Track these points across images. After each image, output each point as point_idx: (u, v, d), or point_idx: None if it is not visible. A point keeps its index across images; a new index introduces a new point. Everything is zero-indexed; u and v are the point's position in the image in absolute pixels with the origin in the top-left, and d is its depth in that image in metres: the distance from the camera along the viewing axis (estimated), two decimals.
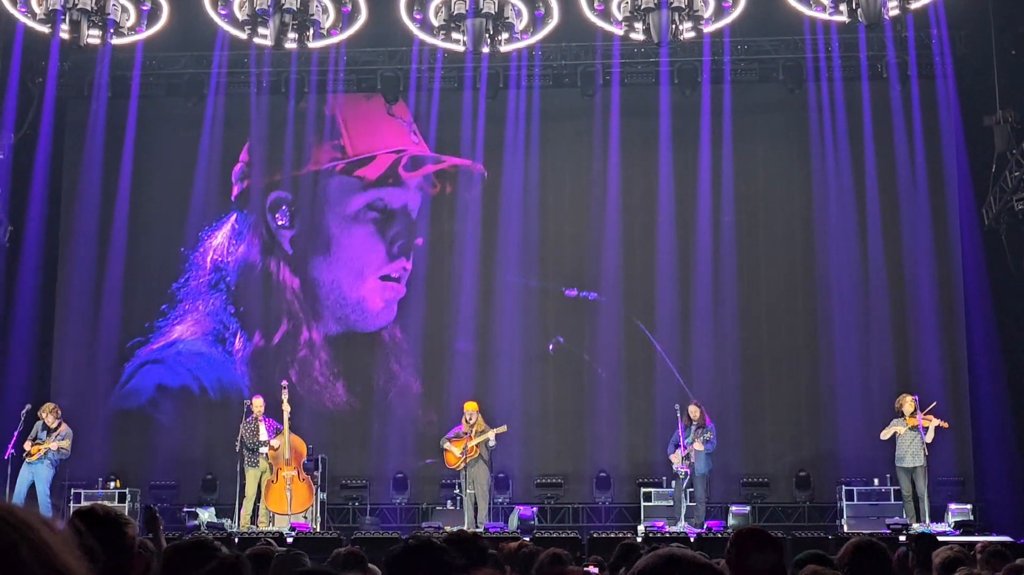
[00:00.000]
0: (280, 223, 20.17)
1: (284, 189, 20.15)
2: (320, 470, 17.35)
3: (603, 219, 19.36)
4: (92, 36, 16.93)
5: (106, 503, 5.27)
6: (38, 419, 16.32)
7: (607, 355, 19.16)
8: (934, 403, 16.29)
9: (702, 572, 2.89)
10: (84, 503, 11.85)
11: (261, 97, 19.97)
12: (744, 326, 18.98)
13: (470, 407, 16.84)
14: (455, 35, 17.08)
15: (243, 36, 17.40)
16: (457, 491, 16.83)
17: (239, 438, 16.64)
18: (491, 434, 16.56)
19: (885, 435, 16.31)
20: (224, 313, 19.84)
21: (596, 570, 6.69)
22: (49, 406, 16.52)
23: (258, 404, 16.90)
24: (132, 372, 19.44)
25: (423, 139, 20.03)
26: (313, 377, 19.46)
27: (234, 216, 20.10)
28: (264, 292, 19.86)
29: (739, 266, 19.08)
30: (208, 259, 20.02)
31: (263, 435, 16.52)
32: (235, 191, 20.22)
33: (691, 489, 16.40)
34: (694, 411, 16.49)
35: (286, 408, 16.65)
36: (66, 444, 16.24)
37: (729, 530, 15.33)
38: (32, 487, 15.98)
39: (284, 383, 17.31)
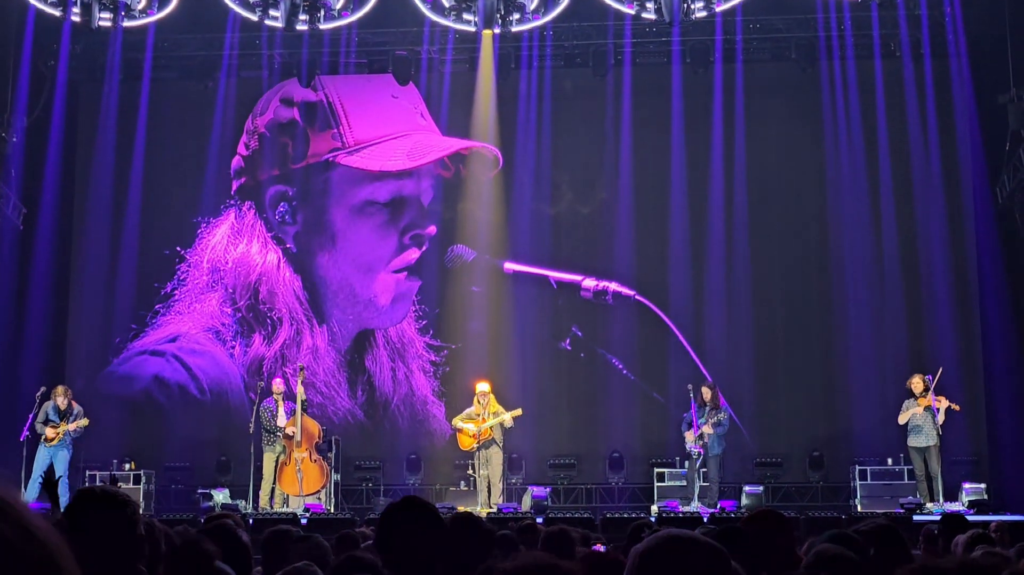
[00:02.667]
0: (281, 219, 19.82)
1: (285, 182, 19.86)
2: (334, 452, 17.32)
3: (616, 199, 19.29)
4: (103, 19, 16.96)
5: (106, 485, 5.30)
6: (49, 401, 16.40)
7: (621, 336, 19.12)
8: (940, 370, 16.35)
9: (702, 553, 2.90)
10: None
11: (272, 79, 19.91)
12: (758, 306, 18.90)
13: (483, 386, 16.82)
14: (466, 15, 17.03)
15: (254, 18, 17.38)
16: (471, 472, 16.87)
17: (253, 419, 16.62)
18: (507, 417, 16.57)
19: (903, 419, 16.28)
20: (222, 314, 19.54)
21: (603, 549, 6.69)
22: (61, 388, 16.59)
23: (278, 385, 16.95)
24: (127, 359, 19.31)
25: (433, 121, 19.82)
26: (317, 386, 18.87)
27: (233, 212, 19.85)
28: (267, 293, 19.56)
29: (752, 246, 18.97)
30: (205, 259, 19.74)
31: (282, 418, 16.54)
32: (234, 185, 19.95)
33: (704, 469, 16.40)
34: (707, 393, 16.50)
35: (300, 391, 16.73)
36: (83, 423, 16.37)
37: (743, 510, 15.28)
38: (49, 469, 15.96)
39: (300, 365, 17.43)
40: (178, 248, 19.70)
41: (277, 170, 19.87)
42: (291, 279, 19.56)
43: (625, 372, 18.86)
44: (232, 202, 19.88)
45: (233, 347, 19.40)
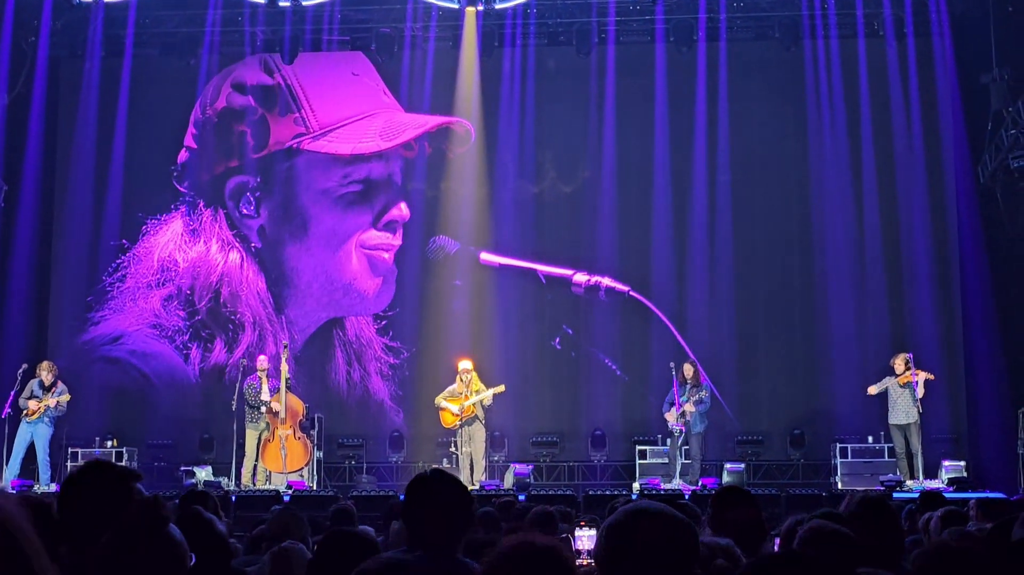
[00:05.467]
0: (245, 212, 19.36)
1: (246, 173, 19.42)
2: (317, 429, 17.37)
3: (599, 178, 19.21)
4: None
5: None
6: (34, 377, 16.36)
7: (603, 314, 19.07)
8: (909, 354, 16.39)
9: (668, 524, 2.92)
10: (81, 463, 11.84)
11: (253, 57, 19.58)
12: (740, 286, 18.92)
13: (465, 363, 16.75)
14: None
15: None
16: (453, 449, 16.82)
17: (236, 396, 16.62)
18: (489, 394, 16.57)
19: (873, 390, 16.35)
20: (176, 318, 19.11)
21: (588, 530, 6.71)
22: (46, 364, 16.54)
23: (262, 362, 16.86)
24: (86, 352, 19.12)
25: (395, 99, 19.50)
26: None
27: (184, 208, 19.43)
28: (228, 295, 19.15)
29: (735, 225, 18.95)
30: (155, 256, 19.29)
31: (266, 394, 16.49)
32: (185, 183, 19.49)
33: (686, 447, 16.45)
34: (688, 370, 16.47)
35: (284, 368, 16.67)
36: (64, 399, 16.33)
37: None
38: (31, 446, 16.08)
39: (284, 341, 17.40)
40: (124, 242, 19.39)
41: (236, 161, 19.47)
42: (255, 279, 19.21)
43: (619, 373, 18.78)
44: (186, 198, 19.47)
45: (187, 352, 19.03)
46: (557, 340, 19.05)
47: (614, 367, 18.83)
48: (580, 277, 19.04)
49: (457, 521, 3.89)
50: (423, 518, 3.85)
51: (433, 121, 19.35)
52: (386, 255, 19.25)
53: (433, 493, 3.90)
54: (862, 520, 4.58)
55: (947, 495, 11.30)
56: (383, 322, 19.27)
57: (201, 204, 19.43)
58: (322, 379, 19.20)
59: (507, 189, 19.37)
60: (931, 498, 8.36)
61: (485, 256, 19.18)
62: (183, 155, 19.55)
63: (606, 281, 18.96)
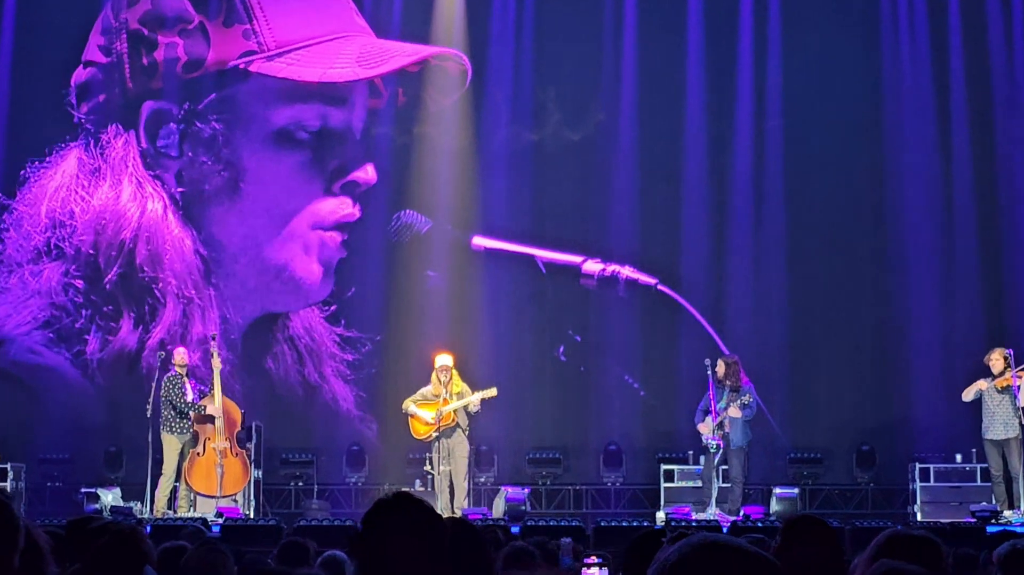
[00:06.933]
0: (162, 147, 19.10)
1: (168, 99, 19.12)
2: (255, 442, 17.27)
3: (615, 123, 19.12)
4: None
5: None
6: None
7: (618, 301, 19.04)
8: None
9: (751, 563, 2.81)
10: None
11: None
12: (793, 263, 18.89)
13: (443, 359, 16.58)
14: None
15: None
16: (428, 468, 16.66)
17: (151, 398, 16.47)
18: (475, 398, 16.42)
19: (967, 396, 16.22)
20: (64, 295, 18.72)
21: (598, 561, 6.64)
22: None
23: (180, 356, 16.76)
24: None
25: (369, 23, 19.39)
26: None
27: (82, 140, 19.09)
28: (147, 256, 18.78)
29: (787, 185, 18.91)
30: (43, 209, 18.90)
31: (189, 395, 16.44)
32: (83, 108, 19.16)
33: (725, 466, 16.35)
34: (723, 367, 16.34)
35: (216, 365, 16.60)
36: None
37: (772, 517, 15.43)
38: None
39: (213, 334, 17.31)
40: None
41: (158, 82, 19.20)
42: (181, 236, 18.99)
43: (637, 386, 18.84)
44: (85, 126, 19.10)
45: (85, 337, 18.69)
46: (561, 351, 19.12)
47: (634, 383, 18.89)
48: (592, 266, 19.04)
49: (427, 562, 3.81)
50: (383, 557, 3.79)
51: (426, 51, 19.25)
52: (337, 234, 19.08)
53: (396, 524, 3.84)
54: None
55: None
56: (331, 307, 19.14)
57: (107, 134, 19.02)
58: (260, 377, 19.03)
59: (499, 137, 19.26)
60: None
61: (478, 241, 19.12)
62: (82, 73, 19.17)
63: (626, 271, 18.96)
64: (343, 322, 19.10)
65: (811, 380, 18.73)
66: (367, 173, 19.11)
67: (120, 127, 19.04)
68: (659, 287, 18.82)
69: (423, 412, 16.45)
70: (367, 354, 19.02)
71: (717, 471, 16.31)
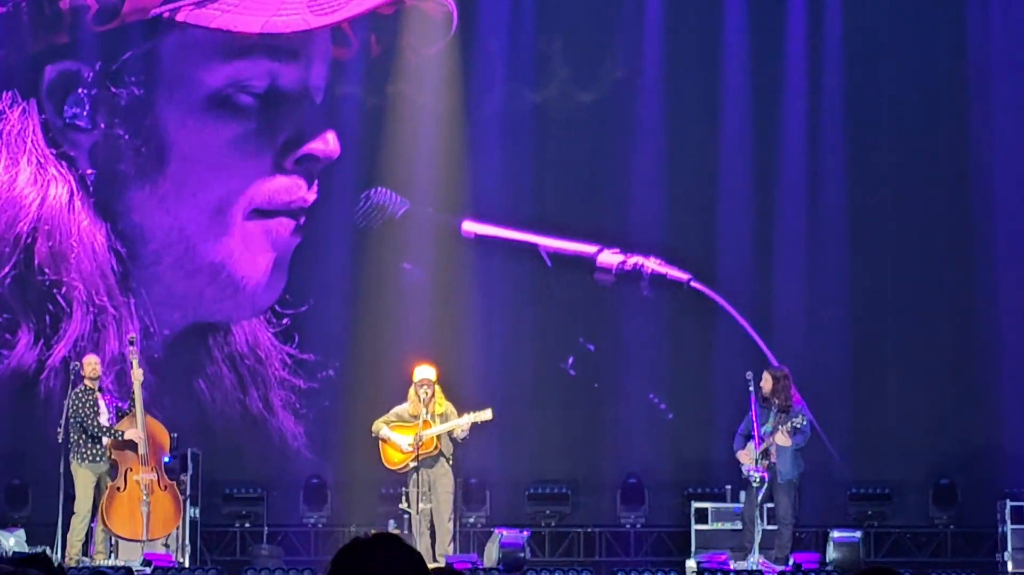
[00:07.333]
0: (71, 118, 18.86)
1: (76, 58, 18.97)
2: (190, 473, 17.17)
3: (635, 81, 19.03)
4: None
5: None
6: None
7: (641, 302, 18.95)
8: None
9: None
10: None
11: None
12: (856, 257, 18.90)
13: (424, 371, 16.09)
14: None
15: None
16: (404, 505, 16.22)
17: (64, 419, 16.11)
18: (464, 422, 15.99)
19: None
20: None
21: None
22: None
23: (92, 365, 16.26)
24: None
25: None
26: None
27: None
28: (48, 254, 18.70)
29: (850, 164, 18.87)
30: None
31: (104, 417, 15.95)
32: None
33: (770, 504, 16.13)
34: (769, 382, 16.00)
35: (137, 376, 16.10)
36: None
37: (829, 567, 15.66)
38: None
39: (130, 336, 16.99)
40: None
41: (64, 35, 18.98)
42: (91, 230, 18.78)
43: (663, 407, 18.93)
44: None
45: None
46: (570, 362, 19.07)
47: (661, 403, 18.90)
48: (609, 257, 18.95)
49: None
50: None
51: None
52: (289, 222, 18.91)
53: (375, 570, 3.88)
54: None
55: None
56: (284, 321, 18.96)
57: (1, 103, 18.88)
58: (189, 404, 18.83)
59: (491, 98, 19.04)
60: None
61: (468, 226, 18.96)
62: None
63: (652, 264, 18.83)
64: (296, 339, 18.99)
65: (878, 399, 18.79)
66: (328, 144, 18.92)
67: (17, 94, 18.91)
68: (692, 284, 18.75)
69: (398, 437, 15.95)
70: (325, 381, 18.91)
71: (761, 510, 16.09)
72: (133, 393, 16.13)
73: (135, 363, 16.17)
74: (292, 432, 18.83)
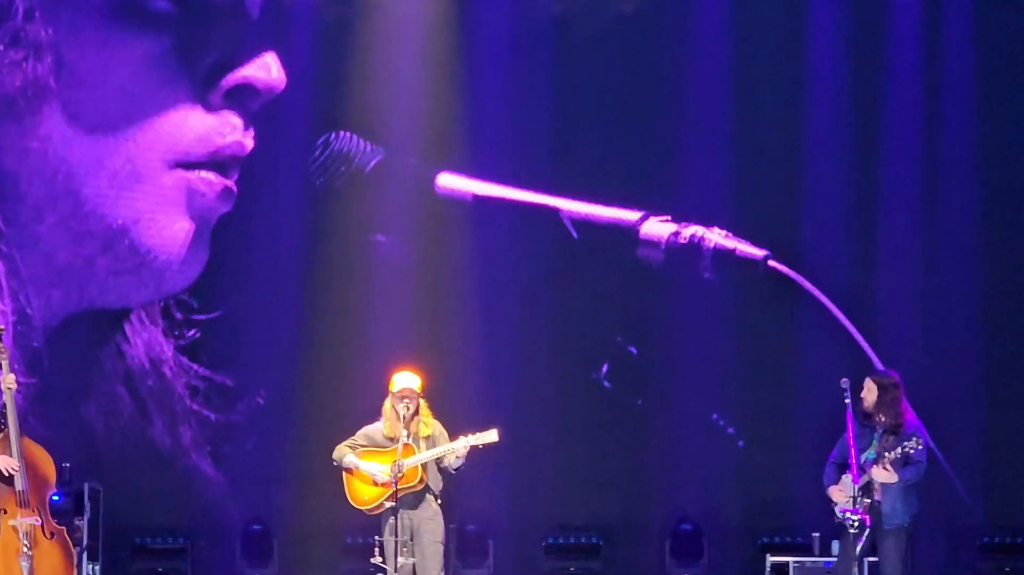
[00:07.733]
0: None
1: None
2: (87, 516, 17.00)
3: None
4: None
5: None
6: None
7: (701, 287, 18.60)
8: None
9: None
10: None
11: None
12: (986, 235, 18.61)
13: (405, 380, 14.91)
14: None
15: None
16: (377, 559, 14.93)
17: None
18: (460, 446, 14.88)
19: None
20: None
21: None
22: None
23: None
24: None
25: None
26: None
27: None
28: None
29: (980, 112, 18.54)
30: None
31: None
32: None
33: (873, 557, 14.97)
34: (876, 392, 14.84)
35: (8, 383, 14.50)
36: None
37: None
38: None
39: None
40: None
41: None
42: None
43: (731, 431, 18.84)
44: None
45: None
46: (604, 370, 18.84)
47: (728, 426, 18.78)
48: (658, 227, 18.59)
49: None
50: None
51: None
52: (215, 176, 18.31)
53: None
54: None
55: None
56: (192, 332, 18.48)
57: None
58: (77, 422, 18.34)
59: (494, 8, 18.57)
60: None
61: (445, 180, 18.56)
62: None
63: (716, 236, 18.54)
64: (204, 359, 18.53)
65: (1018, 422, 18.41)
66: (269, 71, 18.36)
67: None
68: (770, 263, 18.35)
69: (369, 466, 15.00)
70: (256, 413, 18.47)
71: (861, 564, 14.86)
72: (3, 406, 14.78)
73: (3, 364, 14.51)
74: (213, 477, 18.50)
